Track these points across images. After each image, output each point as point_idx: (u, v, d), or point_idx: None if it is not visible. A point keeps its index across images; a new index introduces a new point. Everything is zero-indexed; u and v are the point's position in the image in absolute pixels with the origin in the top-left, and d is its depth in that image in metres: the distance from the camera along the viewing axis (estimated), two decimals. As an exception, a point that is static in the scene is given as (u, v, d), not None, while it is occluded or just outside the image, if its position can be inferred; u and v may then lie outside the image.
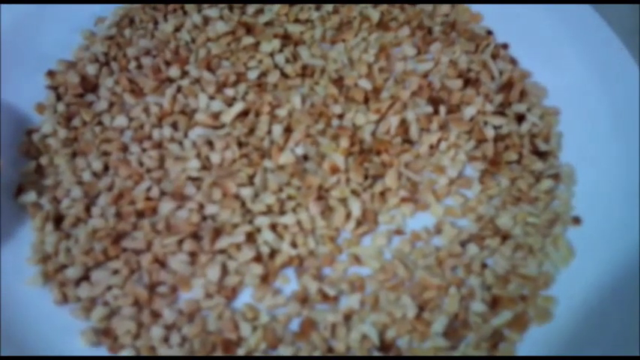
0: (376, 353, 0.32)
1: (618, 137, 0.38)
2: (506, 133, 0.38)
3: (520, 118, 0.39)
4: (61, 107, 0.39)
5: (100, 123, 0.39)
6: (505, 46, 0.42)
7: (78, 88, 0.39)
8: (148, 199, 0.36)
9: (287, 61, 0.41)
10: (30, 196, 0.36)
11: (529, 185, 0.37)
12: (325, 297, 0.33)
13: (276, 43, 0.41)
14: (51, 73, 0.40)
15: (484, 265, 0.34)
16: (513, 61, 0.41)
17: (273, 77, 0.40)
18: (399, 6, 0.44)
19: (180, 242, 0.34)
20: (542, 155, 0.38)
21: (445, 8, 0.44)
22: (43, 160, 0.37)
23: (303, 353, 0.32)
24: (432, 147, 0.38)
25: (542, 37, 0.42)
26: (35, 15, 0.42)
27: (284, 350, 0.32)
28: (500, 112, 0.39)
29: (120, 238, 0.34)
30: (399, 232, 0.36)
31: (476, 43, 0.42)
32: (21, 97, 0.39)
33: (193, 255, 0.34)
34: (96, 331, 0.33)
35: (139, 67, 0.41)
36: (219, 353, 0.32)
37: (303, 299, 0.33)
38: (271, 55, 0.41)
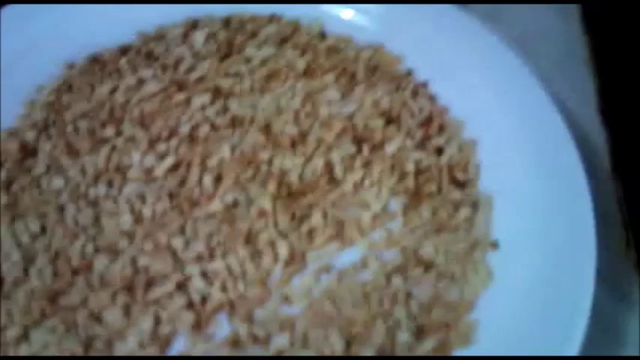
0: (306, 390, 0.33)
1: (534, 164, 0.39)
2: (426, 166, 0.40)
3: (439, 151, 0.41)
4: (2, 174, 0.41)
5: (38, 186, 0.40)
6: (424, 85, 0.44)
7: (17, 154, 0.41)
8: (83, 256, 0.37)
9: (217, 113, 0.43)
10: (-30, 263, 0.37)
11: (449, 215, 0.38)
12: (256, 339, 0.34)
13: (206, 98, 0.43)
14: (-9, 144, 0.42)
15: (409, 295, 0.36)
16: (432, 98, 0.44)
17: (204, 130, 0.42)
18: (325, 54, 0.46)
19: (114, 295, 0.35)
20: (460, 185, 0.39)
21: (367, 53, 0.46)
22: (-16, 227, 0.39)
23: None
24: (355, 185, 0.40)
25: (460, 73, 0.44)
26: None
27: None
28: (420, 146, 0.41)
29: (56, 297, 0.36)
30: (326, 269, 0.37)
31: (397, 83, 0.44)
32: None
33: (127, 307, 0.35)
34: (34, 389, 0.33)
35: (76, 130, 0.42)
36: (152, 402, 0.33)
37: (235, 342, 0.34)
38: (202, 108, 0.43)
